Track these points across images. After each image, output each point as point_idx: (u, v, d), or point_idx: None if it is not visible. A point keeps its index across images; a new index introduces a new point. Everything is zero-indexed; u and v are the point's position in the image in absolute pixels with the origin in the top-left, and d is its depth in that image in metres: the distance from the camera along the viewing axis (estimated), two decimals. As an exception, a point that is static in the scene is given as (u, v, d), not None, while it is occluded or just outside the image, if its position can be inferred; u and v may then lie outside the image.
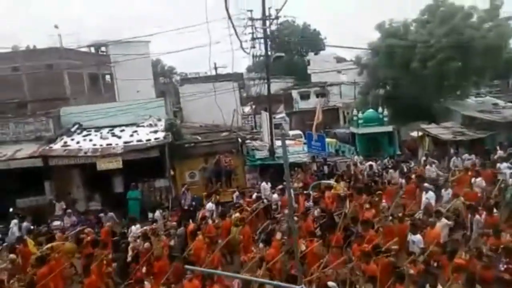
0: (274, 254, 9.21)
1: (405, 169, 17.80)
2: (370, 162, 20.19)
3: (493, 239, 8.53)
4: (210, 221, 12.28)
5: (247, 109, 32.98)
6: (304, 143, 22.17)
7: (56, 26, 26.56)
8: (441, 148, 22.29)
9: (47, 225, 14.22)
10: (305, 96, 39.68)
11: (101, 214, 14.25)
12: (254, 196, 15.05)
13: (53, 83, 24.84)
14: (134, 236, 11.91)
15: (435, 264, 7.86)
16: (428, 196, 12.03)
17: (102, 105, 20.57)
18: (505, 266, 7.02)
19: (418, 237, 8.98)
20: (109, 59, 31.52)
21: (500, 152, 18.01)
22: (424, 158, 19.83)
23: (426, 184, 13.18)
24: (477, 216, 9.88)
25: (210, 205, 14.16)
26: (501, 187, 12.98)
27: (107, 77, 31.51)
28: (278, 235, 10.51)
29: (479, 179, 13.18)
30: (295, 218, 11.64)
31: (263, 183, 16.79)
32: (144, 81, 29.48)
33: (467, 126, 23.27)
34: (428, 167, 17.03)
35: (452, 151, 20.72)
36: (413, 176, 15.27)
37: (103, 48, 34.30)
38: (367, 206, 11.79)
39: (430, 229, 9.42)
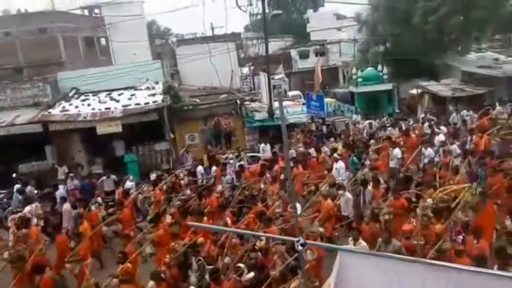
0: (163, 236, 8.67)
1: (404, 127, 17.84)
2: (369, 121, 20.23)
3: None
4: (93, 207, 11.48)
5: (245, 70, 32.61)
6: (303, 104, 22.12)
7: (46, -12, 25.78)
8: (441, 105, 22.24)
9: (51, 188, 14.44)
10: (304, 56, 39.03)
11: (103, 177, 14.45)
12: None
13: (48, 48, 24.48)
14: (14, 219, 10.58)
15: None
16: (337, 167, 12.06)
17: (99, 69, 20.37)
18: (460, 237, 7.23)
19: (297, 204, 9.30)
20: (103, 21, 30.84)
21: (499, 108, 17.99)
22: (423, 115, 19.83)
23: (335, 155, 13.10)
24: (369, 187, 10.02)
25: (129, 183, 13.53)
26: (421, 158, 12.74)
27: (102, 40, 30.96)
28: (168, 218, 9.60)
29: (396, 149, 12.93)
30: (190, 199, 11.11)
31: (262, 144, 16.93)
32: (140, 43, 28.92)
33: (466, 82, 23.09)
34: (426, 124, 17.09)
35: (451, 108, 20.70)
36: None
37: (96, 10, 33.52)
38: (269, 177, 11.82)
39: (324, 200, 9.58)
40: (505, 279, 2.50)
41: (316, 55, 37.06)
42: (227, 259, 7.42)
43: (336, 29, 42.24)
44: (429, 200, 8.57)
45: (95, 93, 19.06)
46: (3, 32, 25.53)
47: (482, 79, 22.33)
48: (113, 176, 14.60)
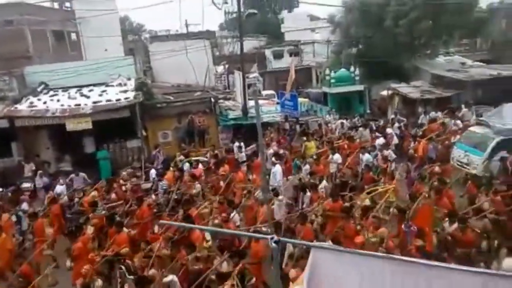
0: (82, 249, 8.38)
1: (374, 127, 18.23)
2: (341, 120, 20.59)
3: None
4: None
5: (220, 68, 32.47)
6: (277, 103, 22.22)
7: (14, -21, 24.86)
8: (410, 106, 22.84)
9: (16, 186, 13.97)
10: (278, 55, 39.29)
11: (72, 175, 14.08)
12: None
13: (15, 40, 23.54)
14: None
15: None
16: (274, 170, 11.90)
17: (69, 64, 19.81)
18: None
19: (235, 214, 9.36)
20: (74, 15, 30.00)
21: (464, 110, 18.63)
22: (393, 116, 20.32)
23: (273, 159, 13.11)
24: (308, 193, 10.15)
25: (60, 188, 12.83)
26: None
27: (73, 34, 30.10)
28: (89, 229, 9.09)
29: (336, 155, 13.11)
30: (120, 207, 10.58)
31: (236, 143, 16.92)
32: (112, 39, 28.30)
33: (435, 85, 23.81)
34: (396, 124, 17.55)
35: (420, 109, 21.28)
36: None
37: (67, 4, 32.57)
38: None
39: (260, 207, 9.46)
40: (469, 274, 2.58)
41: (290, 55, 37.38)
42: (152, 271, 7.11)
43: (310, 30, 42.73)
44: (367, 201, 8.84)
45: (65, 88, 18.56)
46: (-33, 23, 24.43)
47: (450, 82, 23.06)
48: (82, 174, 14.27)
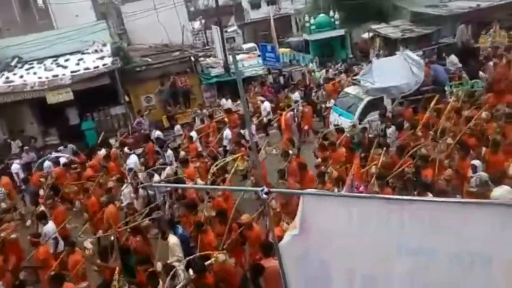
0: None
1: (358, 72, 18.21)
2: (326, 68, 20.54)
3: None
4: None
5: (196, 24, 31.61)
6: (258, 56, 21.96)
7: None
8: (392, 47, 22.67)
9: (5, 164, 13.92)
10: (255, 5, 38.25)
11: (61, 147, 14.04)
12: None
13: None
14: None
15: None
16: (129, 162, 11.09)
17: (41, 34, 19.10)
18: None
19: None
20: (37, -20, 28.55)
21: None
22: (375, 58, 20.24)
23: (126, 149, 12.37)
24: (156, 176, 9.92)
25: (15, 166, 12.58)
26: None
27: (39, 1, 28.76)
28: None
29: (226, 130, 12.33)
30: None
31: (223, 100, 16.83)
32: (81, 4, 27.14)
33: (415, 23, 23.51)
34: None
35: (401, 49, 21.18)
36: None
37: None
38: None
39: (105, 208, 8.81)
40: (448, 204, 2.78)
41: (268, 4, 36.40)
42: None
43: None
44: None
45: (40, 60, 18.05)
46: None
47: (430, 18, 22.76)
48: (71, 145, 14.23)
